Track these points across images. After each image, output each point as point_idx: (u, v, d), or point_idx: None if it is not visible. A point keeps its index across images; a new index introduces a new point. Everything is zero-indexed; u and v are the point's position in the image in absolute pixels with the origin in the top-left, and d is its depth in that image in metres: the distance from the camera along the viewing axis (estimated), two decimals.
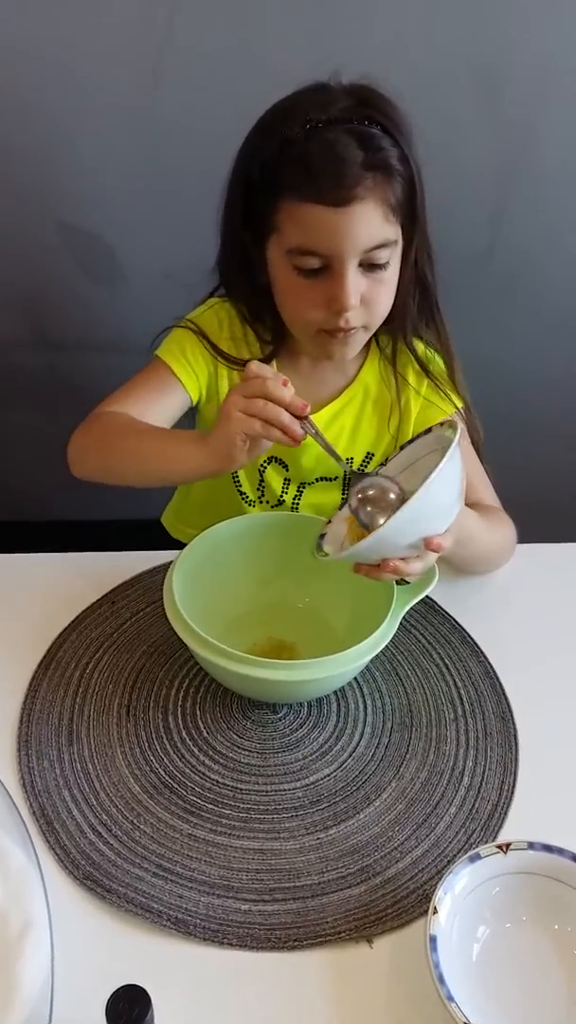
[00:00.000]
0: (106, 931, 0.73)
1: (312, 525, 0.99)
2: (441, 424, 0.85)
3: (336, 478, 1.13)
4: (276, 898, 0.76)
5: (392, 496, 0.84)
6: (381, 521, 0.80)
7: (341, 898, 0.76)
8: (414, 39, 1.32)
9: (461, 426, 0.82)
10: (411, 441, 0.89)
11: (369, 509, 0.83)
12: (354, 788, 0.85)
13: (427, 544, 0.79)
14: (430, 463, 0.84)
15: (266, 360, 1.08)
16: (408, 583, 0.91)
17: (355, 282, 0.92)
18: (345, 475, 1.13)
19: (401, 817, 0.83)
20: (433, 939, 0.68)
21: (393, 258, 0.94)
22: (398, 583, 0.90)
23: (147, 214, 1.45)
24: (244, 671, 0.82)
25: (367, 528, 0.82)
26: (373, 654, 0.85)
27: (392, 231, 0.93)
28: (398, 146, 0.90)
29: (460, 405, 1.09)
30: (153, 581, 1.05)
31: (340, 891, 0.77)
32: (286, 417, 0.80)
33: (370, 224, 0.90)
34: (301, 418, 0.81)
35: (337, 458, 0.85)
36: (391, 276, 0.96)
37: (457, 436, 0.78)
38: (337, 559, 0.82)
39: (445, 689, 0.95)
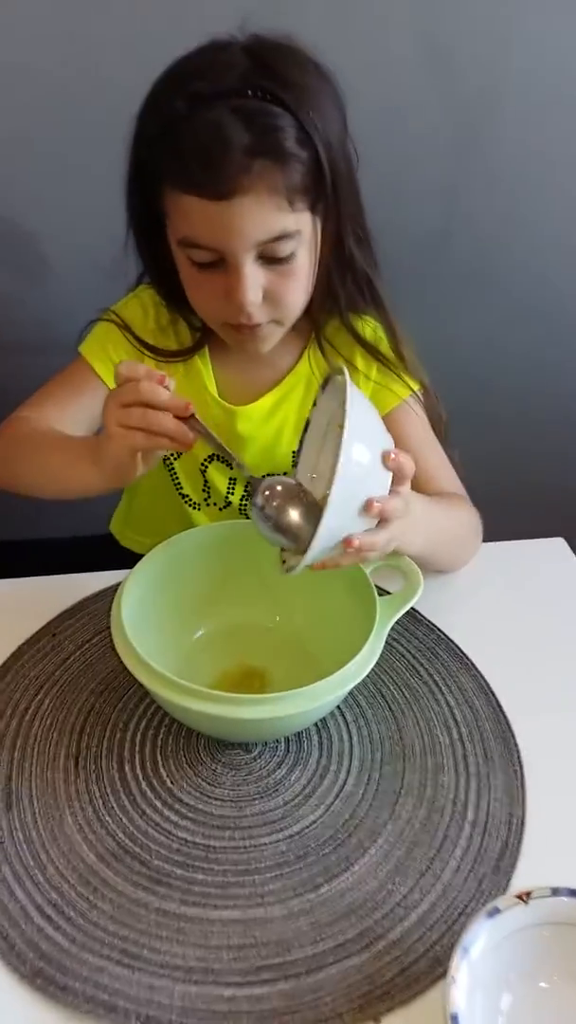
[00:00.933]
0: None
1: None
2: (327, 379, 0.75)
3: (286, 473, 1.02)
4: (264, 978, 0.64)
5: (293, 483, 0.76)
6: (294, 514, 0.71)
7: (340, 971, 0.65)
8: (362, 5, 1.22)
9: (348, 373, 0.70)
10: (313, 409, 0.78)
11: (276, 504, 0.74)
12: (345, 835, 0.74)
13: (369, 509, 0.68)
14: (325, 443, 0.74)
15: (194, 350, 0.96)
16: (375, 563, 0.81)
17: (253, 277, 0.81)
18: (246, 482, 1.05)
19: (401, 865, 0.72)
20: (454, 1019, 0.57)
21: (300, 249, 0.83)
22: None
23: (73, 197, 1.32)
24: (208, 710, 0.70)
25: (281, 530, 0.73)
26: (358, 679, 0.74)
27: (292, 220, 0.80)
28: (298, 124, 0.77)
29: (416, 387, 0.98)
30: (100, 607, 0.92)
31: (338, 962, 0.65)
32: (170, 423, 0.71)
33: (260, 216, 0.78)
34: (185, 418, 0.72)
35: (230, 458, 0.75)
36: (299, 267, 0.84)
37: (346, 377, 0.68)
38: (303, 566, 0.70)
39: (437, 710, 0.84)
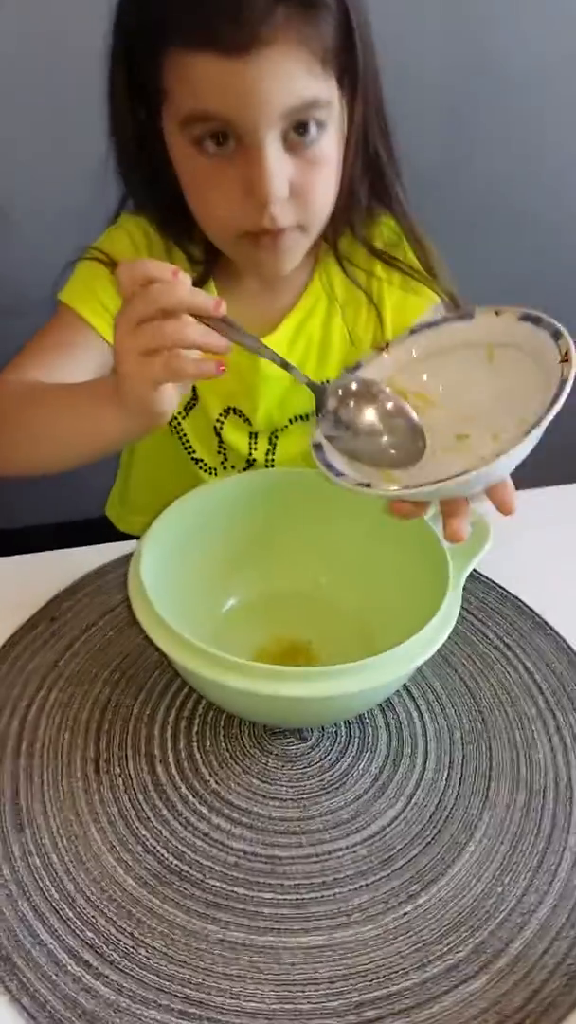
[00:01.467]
0: None
1: (317, 480, 0.74)
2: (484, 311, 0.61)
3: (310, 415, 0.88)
4: (368, 1017, 0.51)
5: (373, 381, 0.62)
6: (376, 417, 0.58)
7: (458, 1000, 0.52)
8: None
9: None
10: (431, 325, 0.64)
11: (354, 406, 0.61)
12: (434, 832, 0.61)
13: (495, 497, 0.56)
14: (464, 365, 0.61)
15: (198, 284, 0.83)
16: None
17: (278, 162, 0.67)
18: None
19: (508, 863, 0.59)
20: None
21: (330, 129, 0.70)
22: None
23: (34, 137, 1.17)
24: (261, 689, 0.56)
25: (357, 447, 0.59)
26: (438, 645, 0.60)
27: (323, 88, 0.67)
28: None
29: (443, 296, 0.86)
30: (105, 584, 0.78)
31: (454, 989, 0.52)
32: (194, 333, 0.55)
33: (286, 76, 0.64)
34: (217, 319, 0.57)
35: (284, 364, 0.61)
36: (328, 155, 0.71)
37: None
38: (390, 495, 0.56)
39: (516, 677, 0.72)
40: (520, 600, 0.79)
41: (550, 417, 0.52)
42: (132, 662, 0.71)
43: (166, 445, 0.92)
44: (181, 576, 0.69)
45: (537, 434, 0.52)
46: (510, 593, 0.79)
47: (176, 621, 0.59)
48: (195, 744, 0.65)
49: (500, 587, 0.80)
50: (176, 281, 0.55)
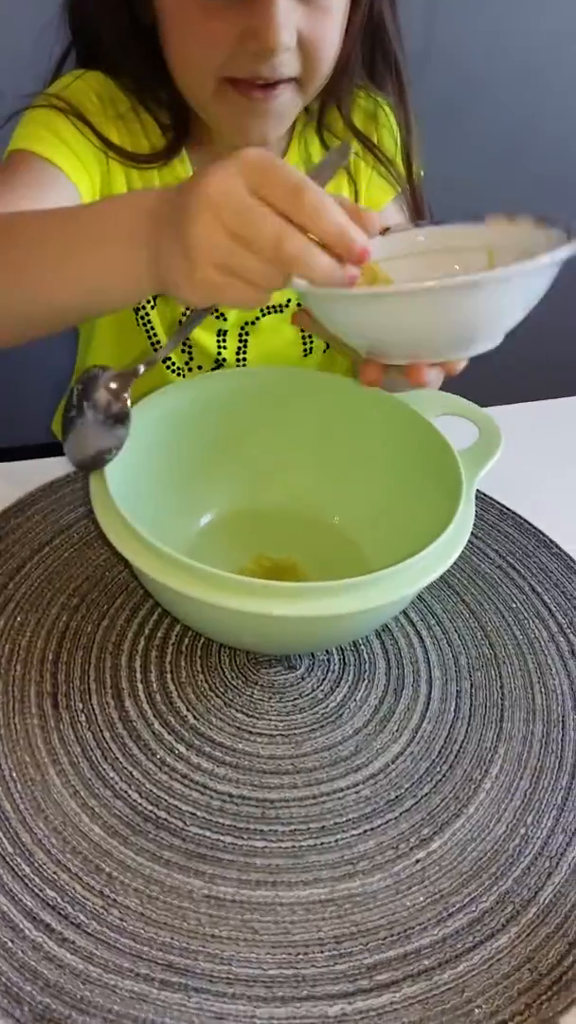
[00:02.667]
0: None
1: (304, 380, 0.66)
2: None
3: (289, 302, 0.79)
4: (382, 982, 0.44)
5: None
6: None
7: (484, 959, 0.45)
8: None
9: None
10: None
11: None
12: (445, 767, 0.53)
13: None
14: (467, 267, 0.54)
15: (173, 149, 0.72)
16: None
17: (288, 7, 0.60)
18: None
19: (530, 801, 0.52)
20: None
21: None
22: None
23: None
24: (251, 607, 0.47)
25: None
26: (452, 559, 0.53)
27: None
28: None
29: (409, 190, 0.79)
30: (56, 500, 0.68)
31: (480, 945, 0.45)
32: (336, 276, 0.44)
33: None
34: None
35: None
36: (336, 7, 0.65)
37: None
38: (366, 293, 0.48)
39: (523, 599, 0.64)
40: (522, 517, 0.71)
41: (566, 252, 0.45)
42: (93, 585, 0.61)
43: (126, 342, 0.81)
44: (149, 487, 0.59)
45: (552, 267, 0.45)
46: (509, 510, 0.72)
47: (147, 533, 0.50)
48: (168, 675, 0.56)
49: (498, 503, 0.72)
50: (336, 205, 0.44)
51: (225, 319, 0.77)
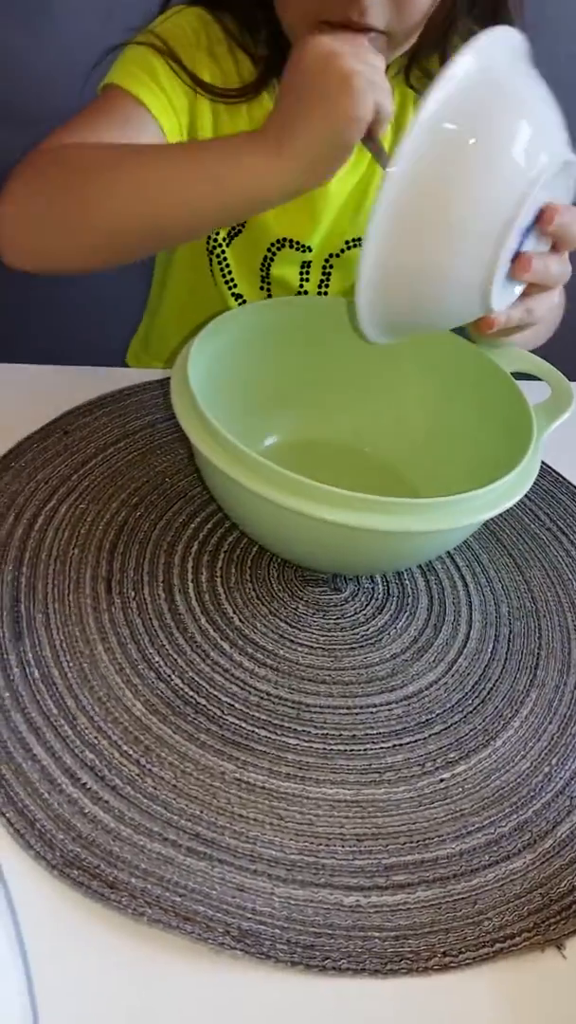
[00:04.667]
0: (114, 958, 0.40)
1: None
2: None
3: None
4: (397, 882, 0.45)
5: None
6: None
7: (499, 876, 0.46)
8: None
9: None
10: None
11: None
12: (477, 701, 0.54)
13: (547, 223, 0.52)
14: None
15: (262, 82, 0.73)
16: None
17: None
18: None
19: (557, 744, 0.53)
20: None
21: None
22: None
23: None
24: (324, 514, 0.49)
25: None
26: (517, 497, 0.54)
27: None
28: None
29: None
30: (124, 406, 0.70)
31: (495, 865, 0.46)
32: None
33: None
34: None
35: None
36: None
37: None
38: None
39: (570, 562, 0.65)
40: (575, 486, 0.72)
41: None
42: (153, 488, 0.63)
43: (200, 281, 0.83)
44: (222, 398, 0.60)
45: None
46: (564, 478, 0.73)
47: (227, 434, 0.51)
48: (219, 579, 0.58)
49: (555, 472, 0.73)
50: None
51: (310, 250, 0.78)
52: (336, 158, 0.51)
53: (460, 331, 0.63)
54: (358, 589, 0.60)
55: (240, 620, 0.56)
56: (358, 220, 0.78)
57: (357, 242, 0.80)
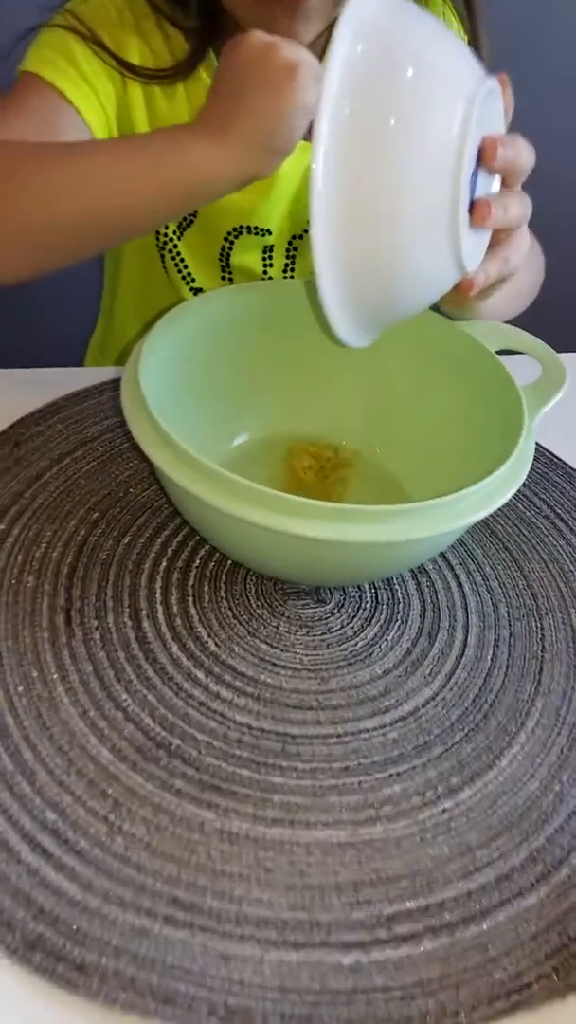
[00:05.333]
0: None
1: None
2: None
3: None
4: (401, 933, 0.40)
5: None
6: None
7: (512, 917, 0.42)
8: None
9: None
10: None
11: None
12: (478, 716, 0.50)
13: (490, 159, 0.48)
14: None
15: (197, 58, 0.67)
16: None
17: None
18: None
19: (567, 758, 0.48)
20: None
21: None
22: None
23: None
24: (298, 529, 0.44)
25: None
26: (511, 492, 0.49)
27: None
28: None
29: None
30: (81, 411, 0.64)
31: (507, 904, 0.42)
32: None
33: None
34: None
35: None
36: None
37: None
38: None
39: (571, 552, 0.60)
40: (571, 467, 0.67)
41: None
42: (115, 501, 0.58)
43: (154, 279, 0.77)
44: (183, 397, 0.55)
45: None
46: (559, 459, 0.68)
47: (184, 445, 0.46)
48: (191, 599, 0.53)
49: (549, 453, 0.68)
50: None
51: (269, 234, 0.73)
52: (283, 146, 0.47)
53: (437, 312, 0.58)
54: (344, 599, 0.55)
55: (216, 644, 0.51)
56: None
57: None
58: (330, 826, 0.44)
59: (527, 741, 0.49)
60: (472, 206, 0.47)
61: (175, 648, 0.50)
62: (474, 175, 0.46)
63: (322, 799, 0.45)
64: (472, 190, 0.46)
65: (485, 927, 0.41)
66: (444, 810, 0.45)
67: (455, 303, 0.55)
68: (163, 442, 0.46)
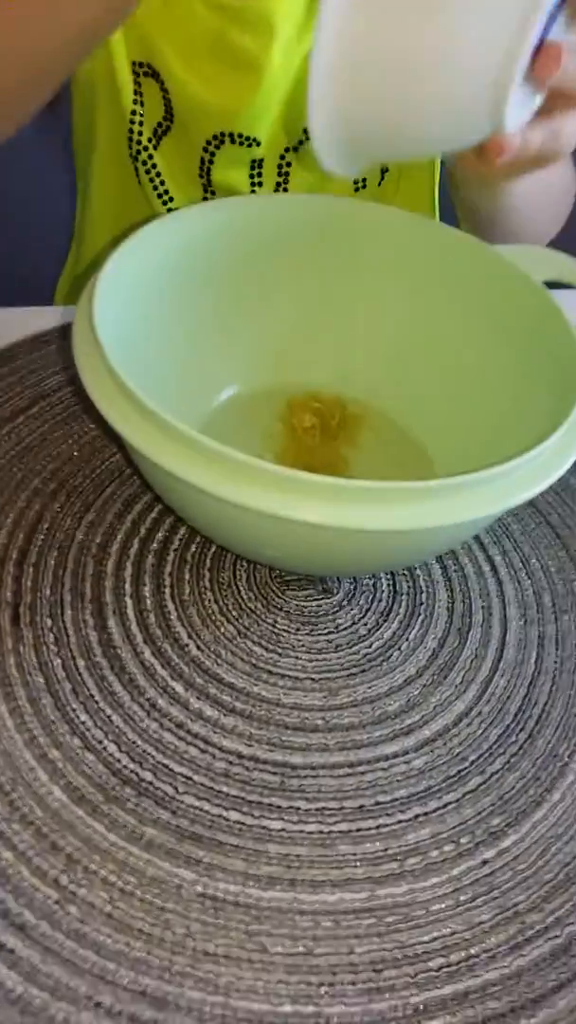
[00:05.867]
0: None
1: (364, 215, 0.50)
2: None
3: None
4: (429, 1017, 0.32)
5: None
6: None
7: (573, 1003, 0.33)
8: None
9: None
10: None
11: None
12: (525, 736, 0.40)
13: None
14: None
15: None
16: None
17: None
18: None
19: None
20: None
21: None
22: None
23: None
24: (284, 509, 0.34)
25: None
26: (568, 463, 0.39)
27: None
28: None
29: None
30: (40, 358, 0.54)
31: (564, 988, 0.33)
32: None
33: None
34: None
35: None
36: None
37: None
38: None
39: None
40: None
41: None
42: (77, 468, 0.48)
43: (129, 195, 0.66)
44: (152, 342, 0.45)
45: None
46: None
47: (145, 396, 0.36)
48: (167, 590, 0.43)
49: None
50: None
51: (258, 144, 0.61)
52: None
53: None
54: (354, 589, 0.45)
55: (198, 648, 0.41)
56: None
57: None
58: (341, 886, 0.35)
59: None
60: (540, 48, 0.36)
61: (147, 653, 0.41)
62: (552, 15, 0.35)
63: (331, 849, 0.36)
64: (546, 30, 0.35)
65: (540, 1018, 0.32)
66: (484, 861, 0.36)
67: (473, 168, 0.43)
68: (125, 399, 0.36)
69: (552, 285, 0.48)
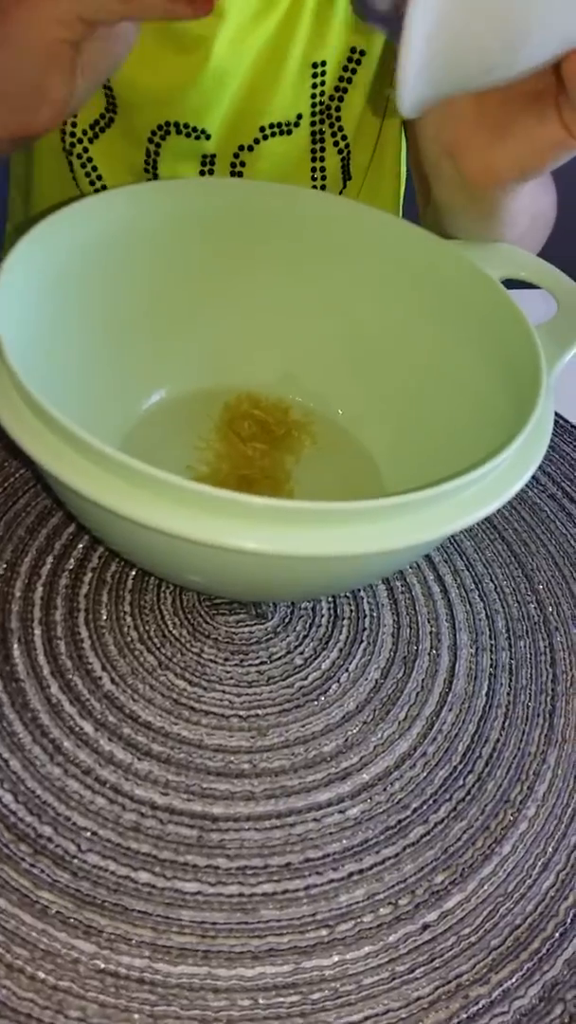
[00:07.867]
0: None
1: (312, 205, 0.46)
2: None
3: (300, 119, 0.58)
4: None
5: None
6: None
7: None
8: None
9: None
10: None
11: None
12: (473, 780, 0.37)
13: None
14: None
15: None
16: None
17: None
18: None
19: None
20: None
21: None
22: None
23: None
24: (208, 535, 0.30)
25: None
26: (531, 470, 0.35)
27: None
28: None
29: None
30: None
31: None
32: None
33: None
34: None
35: None
36: None
37: None
38: None
39: None
40: None
41: None
42: None
43: (71, 190, 0.62)
44: (67, 339, 0.41)
45: None
46: (569, 423, 0.54)
47: (61, 412, 0.31)
48: (81, 615, 0.39)
49: (559, 417, 0.54)
50: None
51: (208, 137, 0.57)
52: (49, 91, 0.37)
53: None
54: (291, 613, 0.41)
55: (113, 681, 0.37)
56: (276, 95, 0.56)
57: (278, 128, 0.58)
58: (262, 958, 0.31)
59: (536, 815, 0.36)
60: None
61: (55, 687, 0.36)
62: None
63: (252, 915, 0.32)
64: None
65: None
66: (425, 926, 0.32)
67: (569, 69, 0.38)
68: (26, 405, 0.32)
69: (515, 284, 0.44)
